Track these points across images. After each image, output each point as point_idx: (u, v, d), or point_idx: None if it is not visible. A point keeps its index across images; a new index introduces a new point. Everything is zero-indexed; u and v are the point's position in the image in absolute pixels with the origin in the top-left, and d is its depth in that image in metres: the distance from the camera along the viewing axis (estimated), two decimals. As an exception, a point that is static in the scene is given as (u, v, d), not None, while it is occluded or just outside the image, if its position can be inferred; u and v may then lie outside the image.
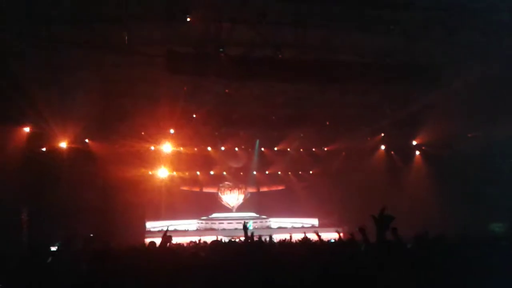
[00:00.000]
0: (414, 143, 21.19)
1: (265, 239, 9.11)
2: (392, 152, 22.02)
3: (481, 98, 14.94)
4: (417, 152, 21.20)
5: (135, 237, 17.91)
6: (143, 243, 11.60)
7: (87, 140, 19.45)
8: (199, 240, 13.81)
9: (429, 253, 5.43)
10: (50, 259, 6.02)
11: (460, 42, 12.79)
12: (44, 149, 17.40)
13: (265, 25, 11.60)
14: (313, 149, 24.60)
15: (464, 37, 12.55)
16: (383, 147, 21.87)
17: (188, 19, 11.39)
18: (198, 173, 26.17)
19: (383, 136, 21.53)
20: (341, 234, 9.93)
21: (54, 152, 17.86)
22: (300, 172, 26.76)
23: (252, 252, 6.44)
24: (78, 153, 18.63)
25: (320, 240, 8.60)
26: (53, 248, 8.34)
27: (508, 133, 15.66)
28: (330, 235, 14.89)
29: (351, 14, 11.79)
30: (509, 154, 16.14)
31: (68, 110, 15.86)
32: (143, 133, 20.55)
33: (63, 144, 18.89)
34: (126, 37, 12.07)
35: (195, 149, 23.76)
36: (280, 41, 12.60)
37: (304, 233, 10.59)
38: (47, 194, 15.34)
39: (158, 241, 7.17)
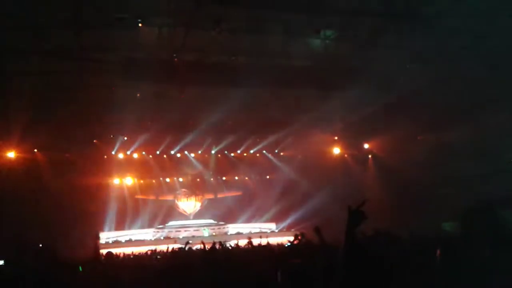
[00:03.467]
0: (366, 146, 21.82)
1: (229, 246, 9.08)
2: (346, 156, 22.57)
3: (430, 101, 15.57)
4: (369, 156, 21.84)
5: (87, 248, 17.33)
6: (97, 254, 11.24)
7: (35, 150, 18.78)
8: (155, 250, 13.50)
9: (380, 253, 5.54)
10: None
11: (409, 47, 13.31)
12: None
13: (220, 31, 11.61)
14: (269, 154, 24.79)
15: (414, 42, 13.06)
16: (337, 150, 22.36)
17: (140, 25, 11.24)
18: (153, 181, 25.72)
19: (336, 140, 22.02)
20: (299, 238, 10.02)
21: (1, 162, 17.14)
22: (257, 177, 26.85)
23: (207, 259, 6.40)
24: (27, 163, 17.96)
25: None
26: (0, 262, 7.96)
27: (457, 135, 16.39)
28: (288, 239, 14.99)
29: (302, 20, 12.02)
30: (459, 155, 16.84)
31: (16, 118, 15.25)
32: (95, 141, 20.00)
33: (11, 154, 18.16)
34: (78, 43, 11.77)
35: (150, 156, 23.37)
36: (235, 47, 12.65)
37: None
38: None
39: (114, 251, 6.98)
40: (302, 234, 7.25)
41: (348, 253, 3.21)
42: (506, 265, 4.86)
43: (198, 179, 26.66)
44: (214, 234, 23.25)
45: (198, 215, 26.53)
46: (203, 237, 19.27)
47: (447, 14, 11.57)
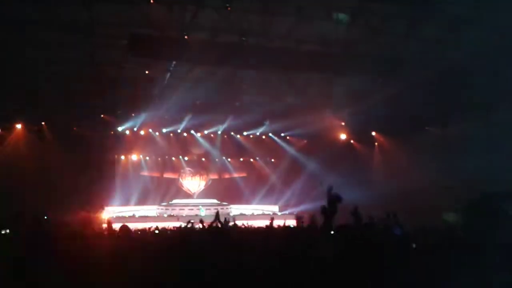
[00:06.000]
0: (373, 134, 21.75)
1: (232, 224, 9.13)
2: (352, 141, 22.53)
3: (439, 90, 15.44)
4: (376, 143, 21.78)
5: (95, 221, 17.56)
6: (101, 228, 11.41)
7: (43, 123, 18.91)
8: (156, 227, 13.63)
9: (381, 241, 5.56)
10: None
11: (420, 35, 13.15)
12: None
13: (231, 10, 11.52)
14: (275, 137, 24.79)
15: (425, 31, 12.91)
16: (344, 136, 22.32)
17: (152, 1, 11.18)
18: (159, 158, 25.87)
19: (343, 125, 21.93)
20: (302, 221, 10.07)
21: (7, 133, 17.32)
22: (262, 160, 26.92)
23: (214, 239, 6.46)
24: (34, 135, 18.11)
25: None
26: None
27: (464, 124, 16.30)
28: (290, 222, 15.07)
29: (316, 2, 11.88)
30: (464, 146, 16.75)
31: (24, 90, 15.33)
32: (102, 115, 20.06)
33: (19, 126, 18.33)
34: (88, 17, 11.74)
35: (156, 133, 23.45)
36: (245, 28, 12.55)
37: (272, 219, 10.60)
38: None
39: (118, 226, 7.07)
40: (302, 217, 7.30)
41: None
42: (506, 258, 4.87)
43: (203, 159, 26.78)
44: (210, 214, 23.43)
45: (201, 194, 26.73)
46: (205, 216, 19.44)
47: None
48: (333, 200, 3.82)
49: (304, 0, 11.84)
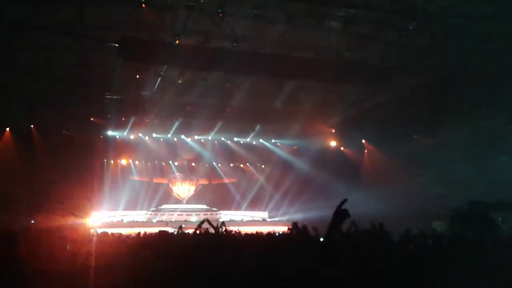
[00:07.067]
0: (363, 141, 21.86)
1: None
2: (342, 148, 22.63)
3: (428, 100, 15.58)
4: (365, 150, 21.89)
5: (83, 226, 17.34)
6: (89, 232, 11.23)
7: (32, 126, 18.73)
8: (145, 233, 13.46)
9: (371, 250, 5.55)
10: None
11: (411, 44, 13.28)
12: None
13: (223, 16, 11.52)
14: (267, 143, 24.80)
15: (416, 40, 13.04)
16: (334, 143, 22.40)
17: (143, 5, 11.15)
18: (148, 163, 25.72)
19: (333, 133, 22.03)
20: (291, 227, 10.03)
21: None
22: (252, 165, 26.88)
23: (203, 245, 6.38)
24: (21, 139, 17.90)
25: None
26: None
27: (454, 135, 16.44)
28: (280, 229, 15.05)
29: (308, 10, 11.94)
30: (453, 155, 16.90)
31: (13, 93, 15.16)
32: (92, 119, 19.91)
33: (7, 129, 18.12)
34: (79, 20, 11.67)
35: (146, 138, 23.32)
36: (237, 33, 12.56)
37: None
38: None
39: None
40: (295, 224, 7.25)
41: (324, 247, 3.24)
42: (494, 266, 4.90)
43: (193, 164, 26.68)
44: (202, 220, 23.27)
45: (191, 200, 26.59)
46: (194, 222, 19.31)
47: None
48: (341, 215, 3.76)
49: (296, 8, 11.88)
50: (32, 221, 14.65)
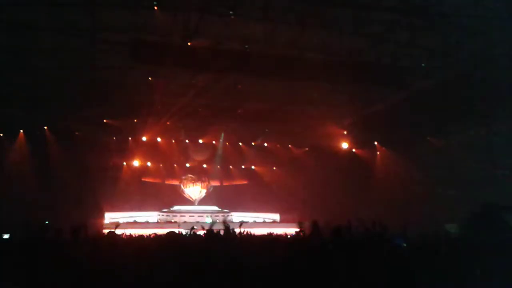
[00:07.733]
0: (375, 143, 21.70)
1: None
2: (354, 150, 22.49)
3: (441, 101, 15.42)
4: (378, 152, 21.73)
5: (93, 227, 17.50)
6: (101, 233, 11.33)
7: (45, 127, 18.94)
8: (154, 234, 13.53)
9: (383, 251, 5.52)
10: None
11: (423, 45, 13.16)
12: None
13: (234, 18, 11.54)
14: (277, 145, 24.78)
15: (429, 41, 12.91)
16: (346, 144, 22.27)
17: (156, 8, 11.21)
18: (160, 165, 25.87)
19: (346, 135, 21.91)
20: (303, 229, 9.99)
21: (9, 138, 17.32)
22: (264, 168, 26.86)
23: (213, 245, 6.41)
24: (35, 140, 18.11)
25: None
26: (5, 236, 8.08)
27: (466, 137, 16.26)
28: (291, 230, 15.02)
29: (319, 12, 11.89)
30: (467, 158, 16.70)
31: (26, 95, 15.33)
32: (105, 120, 20.07)
33: (21, 130, 18.34)
34: (91, 22, 11.77)
35: (158, 139, 23.44)
36: (248, 35, 12.57)
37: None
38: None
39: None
40: (303, 224, 7.21)
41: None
42: (508, 268, 4.84)
43: (205, 166, 26.76)
44: (217, 221, 23.34)
45: (202, 201, 26.68)
46: (206, 223, 19.35)
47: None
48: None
49: (307, 10, 11.85)
50: (47, 222, 14.79)
